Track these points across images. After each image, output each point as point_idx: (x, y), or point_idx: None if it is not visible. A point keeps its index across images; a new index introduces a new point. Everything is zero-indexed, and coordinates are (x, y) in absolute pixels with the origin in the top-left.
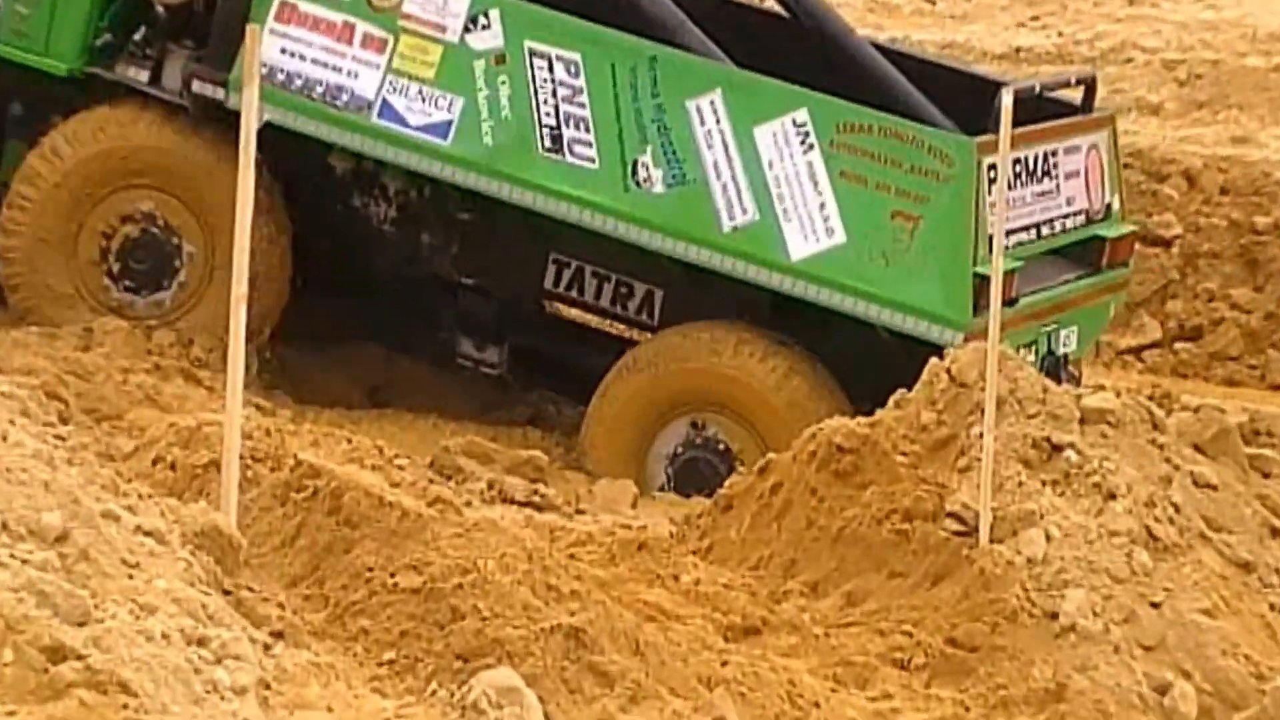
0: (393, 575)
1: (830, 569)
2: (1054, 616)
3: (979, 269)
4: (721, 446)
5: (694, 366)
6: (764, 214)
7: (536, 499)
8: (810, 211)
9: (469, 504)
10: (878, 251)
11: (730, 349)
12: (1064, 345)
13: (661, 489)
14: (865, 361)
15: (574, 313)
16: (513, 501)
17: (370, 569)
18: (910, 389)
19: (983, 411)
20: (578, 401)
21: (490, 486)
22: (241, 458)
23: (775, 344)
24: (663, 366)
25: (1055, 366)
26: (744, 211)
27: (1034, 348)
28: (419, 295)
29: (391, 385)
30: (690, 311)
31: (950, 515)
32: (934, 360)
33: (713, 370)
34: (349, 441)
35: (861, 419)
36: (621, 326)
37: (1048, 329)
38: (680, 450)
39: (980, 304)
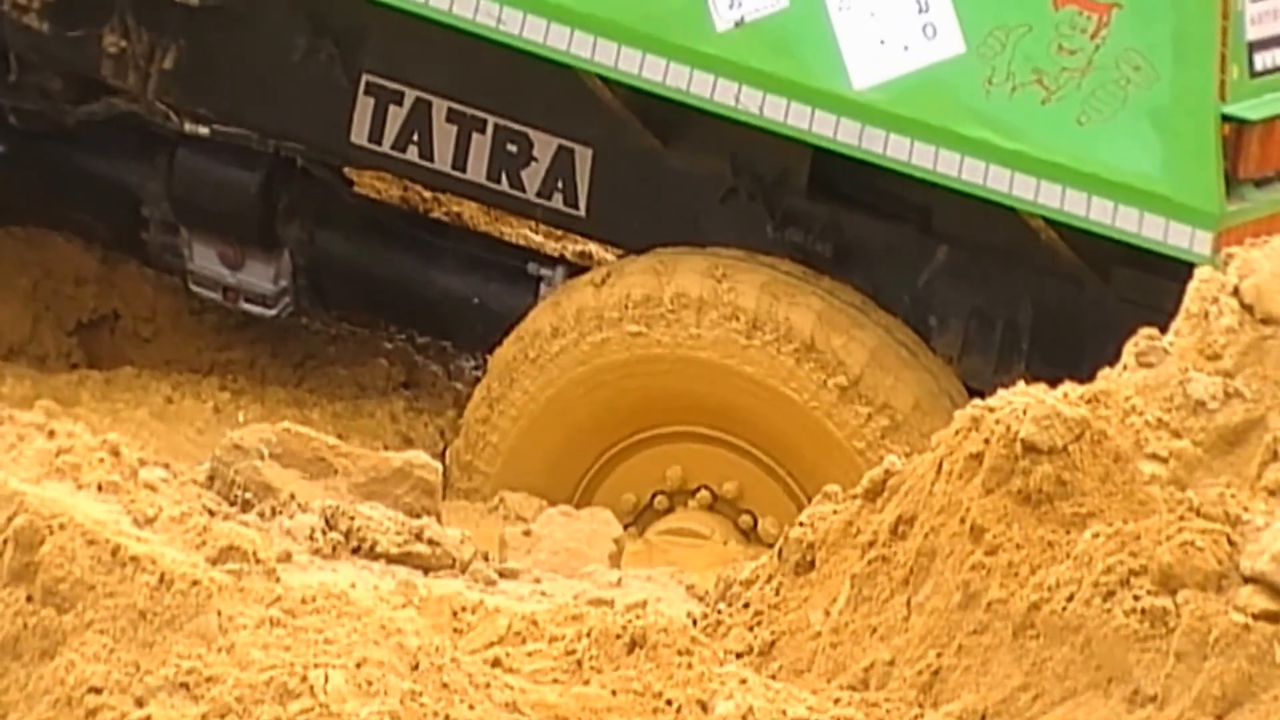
0: (139, 704)
1: (1012, 688)
2: None
3: (1233, 108)
4: (711, 504)
5: (656, 350)
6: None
7: (421, 548)
8: None
9: (288, 559)
10: (1025, 72)
11: (739, 306)
12: None
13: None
14: (998, 313)
15: (411, 192)
16: (376, 554)
17: (95, 690)
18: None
19: None
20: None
21: (329, 522)
22: None
23: (831, 298)
24: (589, 338)
25: None
26: None
27: None
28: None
29: (117, 316)
30: (649, 201)
31: (1251, 580)
32: (1201, 276)
33: (698, 359)
34: (48, 433)
35: (1072, 391)
36: (505, 230)
37: None
38: (648, 504)
39: (1238, 175)
